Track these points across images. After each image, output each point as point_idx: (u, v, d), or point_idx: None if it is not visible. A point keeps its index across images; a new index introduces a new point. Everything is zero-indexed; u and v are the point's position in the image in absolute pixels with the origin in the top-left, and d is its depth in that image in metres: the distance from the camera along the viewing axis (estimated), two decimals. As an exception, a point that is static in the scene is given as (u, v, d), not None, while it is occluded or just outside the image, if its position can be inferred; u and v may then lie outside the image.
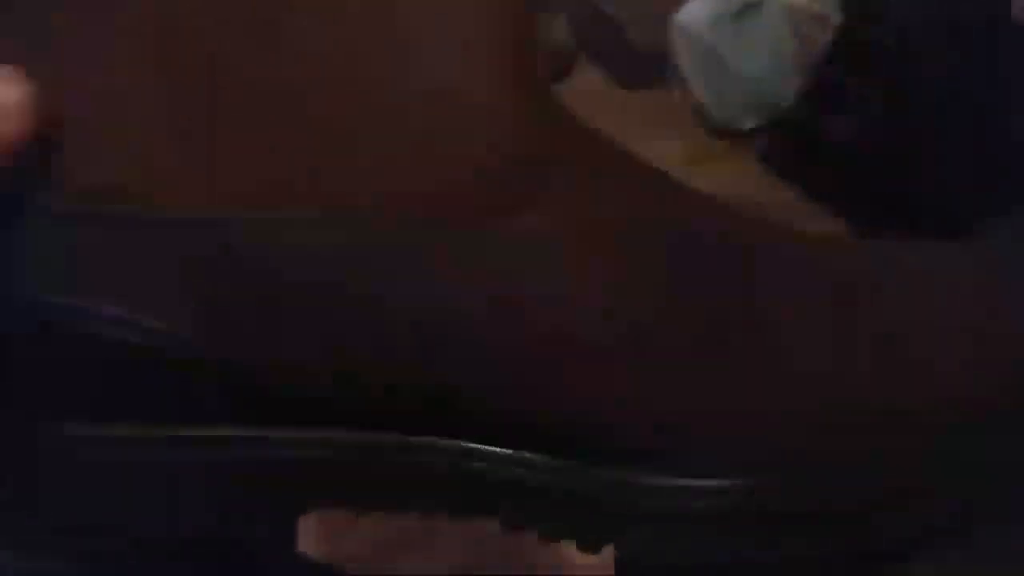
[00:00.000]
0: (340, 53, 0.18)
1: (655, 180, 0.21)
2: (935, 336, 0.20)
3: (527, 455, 0.20)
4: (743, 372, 0.19)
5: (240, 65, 0.17)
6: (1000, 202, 0.40)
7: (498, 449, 0.20)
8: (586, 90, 0.55)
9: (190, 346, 0.18)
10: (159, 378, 0.19)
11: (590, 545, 0.21)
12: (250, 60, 0.17)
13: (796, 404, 0.19)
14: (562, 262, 0.19)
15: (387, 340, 0.19)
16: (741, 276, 0.20)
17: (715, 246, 0.20)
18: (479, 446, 0.20)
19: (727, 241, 0.20)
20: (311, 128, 0.18)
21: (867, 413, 0.20)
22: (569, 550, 0.21)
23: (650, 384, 0.19)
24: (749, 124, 0.51)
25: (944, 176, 0.42)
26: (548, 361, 0.19)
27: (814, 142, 0.48)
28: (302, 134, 0.18)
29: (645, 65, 0.54)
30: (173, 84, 0.17)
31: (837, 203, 0.47)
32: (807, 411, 0.19)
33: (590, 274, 0.19)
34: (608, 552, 0.21)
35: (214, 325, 0.18)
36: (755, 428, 0.19)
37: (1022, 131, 0.40)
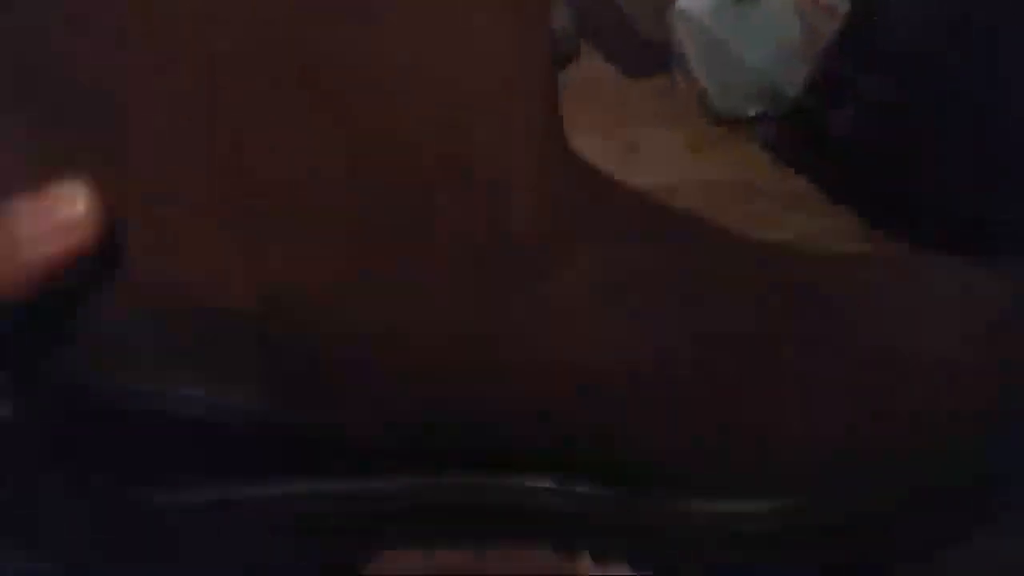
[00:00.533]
0: (377, 131, 0.18)
1: (678, 224, 0.22)
2: (935, 348, 0.21)
3: (578, 488, 0.21)
4: (769, 404, 0.20)
5: (279, 166, 0.18)
6: (1002, 198, 0.40)
7: (551, 484, 0.21)
8: (589, 78, 0.54)
9: (262, 416, 0.19)
10: (235, 446, 0.20)
11: (640, 568, 0.21)
12: (289, 163, 0.18)
13: (821, 428, 0.20)
14: (599, 312, 0.20)
15: (436, 398, 0.20)
16: (766, 312, 0.21)
17: (738, 281, 0.21)
18: (535, 484, 0.21)
19: (750, 276, 0.21)
20: (347, 217, 0.18)
21: (885, 432, 0.20)
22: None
23: (686, 419, 0.20)
24: (752, 112, 0.51)
25: (947, 171, 0.42)
26: (592, 406, 0.20)
27: (819, 133, 0.47)
28: (339, 224, 0.18)
29: (648, 53, 0.54)
30: (222, 182, 0.18)
31: (841, 194, 0.47)
32: (832, 434, 0.20)
33: (625, 322, 0.20)
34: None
35: (281, 396, 0.19)
36: (787, 453, 0.20)
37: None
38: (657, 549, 0.21)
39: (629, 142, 0.53)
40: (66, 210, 0.17)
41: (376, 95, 0.18)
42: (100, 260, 0.18)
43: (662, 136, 0.54)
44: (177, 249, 0.18)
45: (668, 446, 0.20)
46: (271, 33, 0.17)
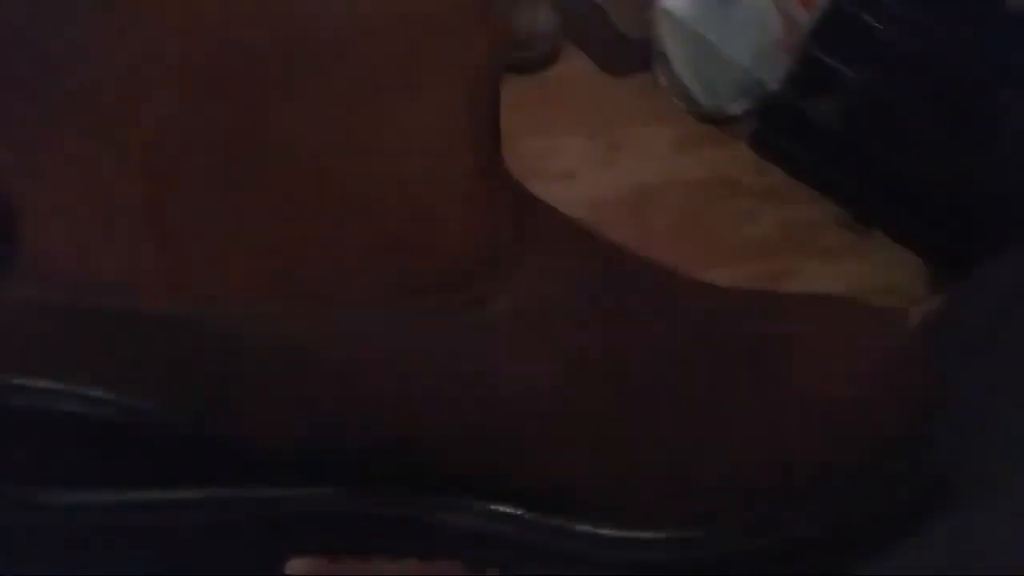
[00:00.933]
0: (316, 145, 0.18)
1: (604, 254, 0.22)
2: (840, 386, 0.21)
3: (493, 508, 0.21)
4: (682, 439, 0.21)
5: (216, 159, 0.18)
6: (984, 184, 0.40)
7: (464, 501, 0.21)
8: (572, 77, 0.54)
9: (167, 421, 0.19)
10: (139, 450, 0.20)
11: None
12: (226, 151, 0.18)
13: (727, 468, 0.21)
14: (521, 341, 0.20)
15: (350, 418, 0.20)
16: (679, 347, 0.21)
17: (657, 316, 0.21)
18: (447, 501, 0.21)
19: (669, 311, 0.22)
20: (284, 222, 0.18)
21: (792, 472, 0.21)
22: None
23: (599, 448, 0.20)
24: (737, 109, 0.51)
25: (929, 158, 0.42)
26: (513, 431, 0.20)
27: (801, 124, 0.48)
28: (275, 228, 0.18)
29: (631, 51, 0.54)
30: (155, 182, 0.18)
31: (826, 185, 0.47)
32: (738, 469, 0.21)
33: (546, 352, 0.20)
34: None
35: (189, 403, 0.19)
36: (693, 489, 0.21)
37: (1009, 111, 0.40)
38: (562, 572, 0.22)
39: (612, 141, 0.54)
40: None
41: (310, 109, 0.18)
42: None
43: (645, 135, 0.54)
44: (92, 246, 0.18)
45: (579, 472, 0.21)
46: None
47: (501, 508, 0.21)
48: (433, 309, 0.20)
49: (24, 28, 0.17)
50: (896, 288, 0.43)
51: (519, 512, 0.21)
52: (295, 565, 0.22)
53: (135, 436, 0.20)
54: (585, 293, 0.21)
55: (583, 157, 0.51)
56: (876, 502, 0.22)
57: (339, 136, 0.18)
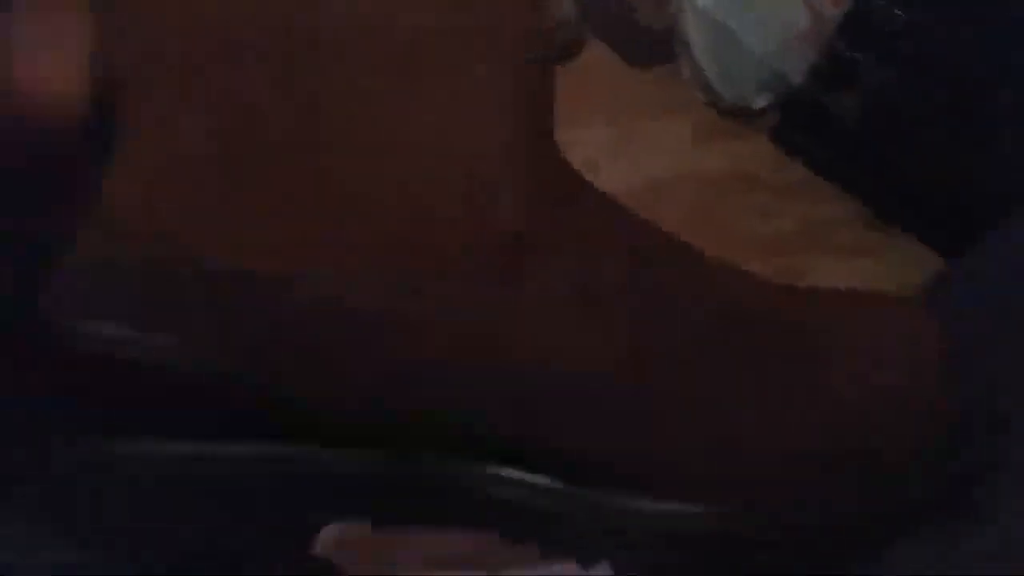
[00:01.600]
0: (365, 116, 0.19)
1: (651, 236, 0.23)
2: (870, 380, 0.22)
3: (532, 479, 0.22)
4: (720, 414, 0.21)
5: (274, 130, 0.19)
6: (1011, 181, 0.39)
7: (504, 472, 0.22)
8: (592, 67, 0.54)
9: (223, 372, 0.20)
10: (194, 401, 0.20)
11: (586, 561, 0.22)
12: (283, 125, 0.19)
13: (764, 444, 0.21)
14: (564, 316, 0.20)
15: (400, 381, 0.20)
16: (715, 330, 0.22)
17: (693, 299, 0.22)
18: (489, 469, 0.21)
19: (707, 297, 0.22)
20: (333, 191, 0.19)
21: (813, 455, 0.22)
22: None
23: (640, 425, 0.21)
24: (760, 102, 0.50)
25: (951, 156, 0.41)
26: (552, 405, 0.20)
27: (824, 120, 0.47)
28: (322, 197, 0.19)
29: (654, 42, 0.54)
30: (222, 141, 0.19)
31: (848, 182, 0.47)
32: (773, 448, 0.21)
33: (589, 330, 0.21)
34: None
35: (245, 356, 0.20)
36: (730, 464, 0.21)
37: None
38: (599, 543, 0.22)
39: (631, 132, 0.53)
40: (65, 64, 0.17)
41: (357, 80, 0.18)
42: (90, 137, 0.18)
43: (665, 126, 0.53)
44: (162, 203, 0.19)
45: (617, 446, 0.21)
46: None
47: (540, 480, 0.22)
48: (474, 281, 0.20)
49: None
50: (914, 287, 0.43)
51: (557, 484, 0.22)
52: (331, 531, 0.22)
53: (196, 386, 0.20)
54: (623, 279, 0.21)
55: (602, 148, 0.51)
56: (909, 492, 0.22)
57: (385, 104, 0.19)
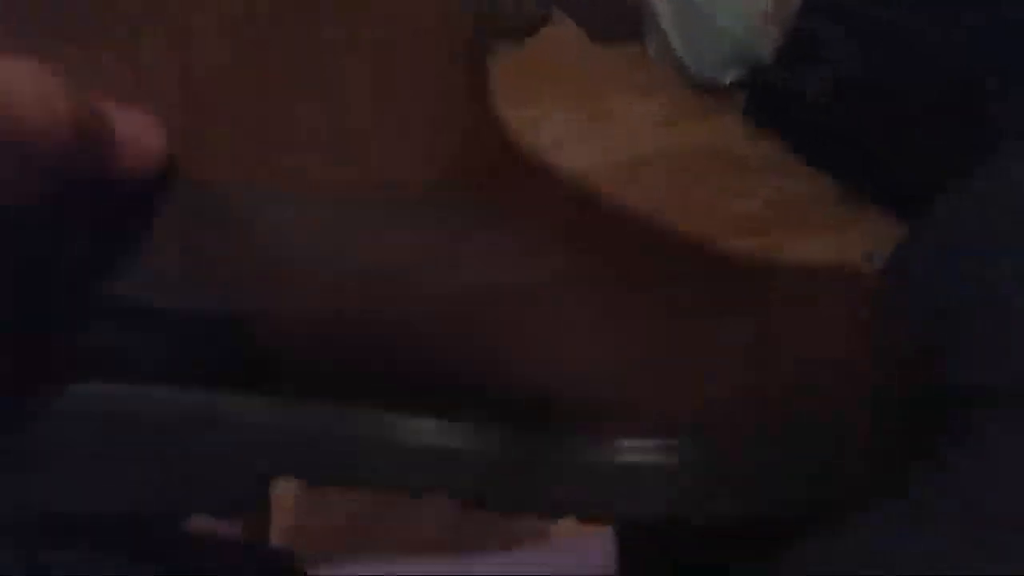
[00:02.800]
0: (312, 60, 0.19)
1: (577, 192, 0.22)
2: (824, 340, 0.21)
3: (474, 426, 0.21)
4: (673, 352, 0.20)
5: (233, 56, 0.19)
6: (980, 151, 0.39)
7: (447, 421, 0.21)
8: (559, 45, 0.53)
9: (167, 294, 0.19)
10: (133, 332, 0.20)
11: (551, 514, 0.21)
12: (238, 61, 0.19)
13: (720, 390, 0.20)
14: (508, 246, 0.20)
15: (338, 318, 0.20)
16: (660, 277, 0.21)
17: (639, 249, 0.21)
18: (428, 419, 0.21)
19: (650, 244, 0.21)
20: (289, 119, 0.19)
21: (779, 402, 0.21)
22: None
23: (579, 348, 0.20)
24: (728, 78, 0.49)
25: (923, 126, 0.41)
26: (480, 330, 0.20)
27: (793, 95, 0.46)
28: (271, 126, 0.19)
29: (620, 18, 0.52)
30: (191, 63, 0.19)
31: (818, 157, 0.46)
32: (728, 391, 0.20)
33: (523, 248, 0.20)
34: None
35: (196, 274, 0.19)
36: (685, 401, 0.20)
37: (999, 80, 0.38)
38: (548, 491, 0.21)
39: (602, 112, 0.52)
40: (150, 126, 0.19)
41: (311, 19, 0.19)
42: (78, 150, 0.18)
43: (635, 105, 0.52)
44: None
45: (561, 378, 0.20)
46: None
47: (492, 428, 0.21)
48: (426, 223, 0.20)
49: None
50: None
51: (492, 429, 0.21)
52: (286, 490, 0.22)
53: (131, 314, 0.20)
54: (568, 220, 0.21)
55: (570, 128, 0.50)
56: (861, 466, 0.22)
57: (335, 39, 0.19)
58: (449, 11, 0.20)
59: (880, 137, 0.44)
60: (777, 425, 0.21)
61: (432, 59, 0.19)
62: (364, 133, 0.19)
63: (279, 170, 0.19)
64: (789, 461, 0.21)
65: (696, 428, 0.21)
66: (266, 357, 0.20)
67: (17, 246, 0.19)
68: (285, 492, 0.26)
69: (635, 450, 0.21)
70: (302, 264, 0.19)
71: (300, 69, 0.19)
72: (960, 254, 0.26)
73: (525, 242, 0.20)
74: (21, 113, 0.17)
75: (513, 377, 0.20)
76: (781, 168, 0.49)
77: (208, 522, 0.23)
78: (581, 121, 0.50)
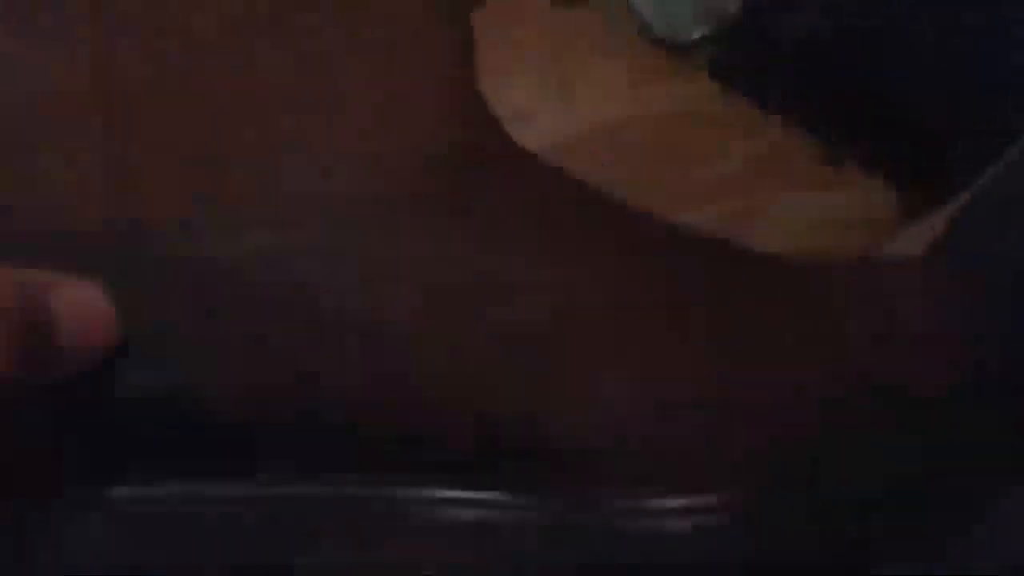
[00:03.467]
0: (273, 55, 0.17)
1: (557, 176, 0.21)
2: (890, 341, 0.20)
3: (500, 496, 0.19)
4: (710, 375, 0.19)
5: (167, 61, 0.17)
6: (973, 100, 0.38)
7: (461, 494, 0.19)
8: (518, 10, 0.50)
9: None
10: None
11: None
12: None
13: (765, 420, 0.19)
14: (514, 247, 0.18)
15: (319, 371, 0.18)
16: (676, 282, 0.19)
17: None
18: (439, 493, 0.18)
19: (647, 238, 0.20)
20: (254, 128, 0.17)
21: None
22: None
23: (607, 398, 0.18)
24: (695, 34, 0.47)
25: (911, 73, 0.39)
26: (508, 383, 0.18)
27: (765, 48, 0.44)
28: (243, 134, 0.17)
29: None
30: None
31: (794, 113, 0.44)
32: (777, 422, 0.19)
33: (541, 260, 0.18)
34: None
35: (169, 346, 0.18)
36: (738, 448, 0.19)
37: (994, 22, 0.37)
38: (578, 556, 0.19)
39: (566, 77, 0.50)
40: (98, 306, 0.18)
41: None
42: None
43: (601, 70, 0.50)
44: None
45: (592, 432, 0.18)
46: None
47: (511, 497, 0.19)
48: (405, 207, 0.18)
49: None
50: (874, 218, 0.41)
51: (531, 498, 0.19)
52: None
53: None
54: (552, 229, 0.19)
55: (536, 95, 0.47)
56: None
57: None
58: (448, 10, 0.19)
59: (861, 91, 0.43)
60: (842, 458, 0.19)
61: (432, 58, 0.18)
62: (363, 132, 0.18)
63: (267, 181, 0.18)
64: (856, 498, 0.19)
65: (748, 478, 0.19)
66: (249, 433, 0.19)
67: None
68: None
69: (681, 512, 0.19)
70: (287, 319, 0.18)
71: (298, 73, 0.18)
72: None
73: (545, 268, 0.18)
74: None
75: (532, 435, 0.18)
76: (759, 126, 0.47)
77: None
78: (549, 89, 0.47)
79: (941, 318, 0.20)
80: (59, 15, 0.17)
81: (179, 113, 0.18)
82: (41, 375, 0.18)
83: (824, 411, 0.18)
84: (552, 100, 0.49)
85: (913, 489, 0.20)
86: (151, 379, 0.18)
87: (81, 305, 0.17)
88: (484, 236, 0.18)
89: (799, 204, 0.43)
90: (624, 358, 0.18)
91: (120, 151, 0.18)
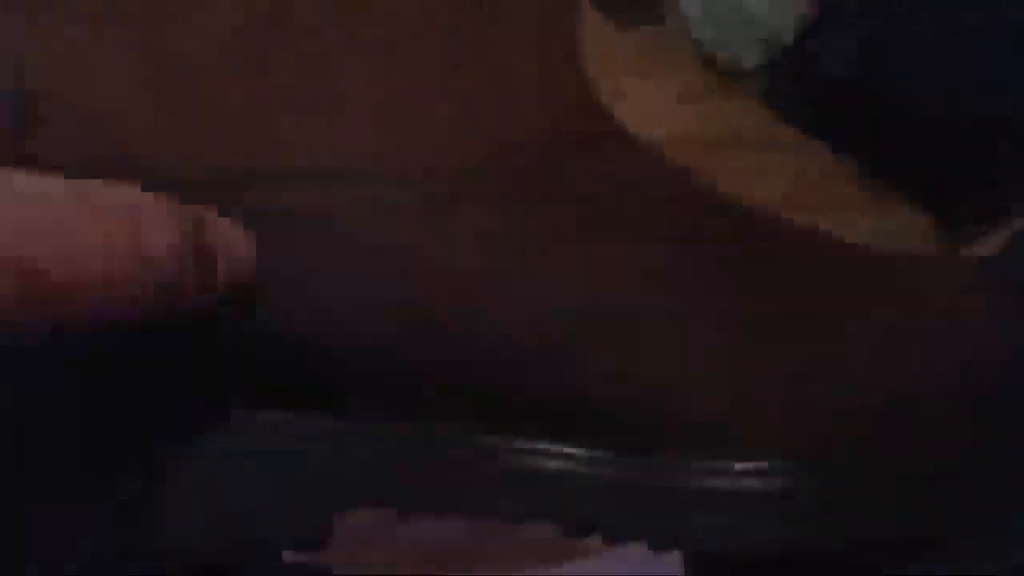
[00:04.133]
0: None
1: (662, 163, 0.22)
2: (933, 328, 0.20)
3: (575, 450, 0.19)
4: (780, 361, 0.19)
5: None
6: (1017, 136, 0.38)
7: (545, 445, 0.19)
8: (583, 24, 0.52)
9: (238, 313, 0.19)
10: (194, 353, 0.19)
11: (660, 544, 0.20)
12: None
13: (830, 395, 0.19)
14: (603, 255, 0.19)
15: (416, 325, 0.19)
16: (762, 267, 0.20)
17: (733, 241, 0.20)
18: (524, 443, 0.19)
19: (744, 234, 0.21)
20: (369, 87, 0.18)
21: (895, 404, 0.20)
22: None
23: (693, 366, 0.19)
24: (750, 61, 0.49)
25: (957, 104, 0.40)
26: (596, 346, 0.18)
27: (816, 76, 0.45)
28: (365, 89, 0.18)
29: (641, 0, 0.52)
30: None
31: (843, 140, 0.45)
32: (846, 399, 0.19)
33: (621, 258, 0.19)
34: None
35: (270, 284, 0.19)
36: (802, 420, 0.19)
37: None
38: (657, 515, 0.20)
39: (616, 93, 0.51)
40: (245, 244, 0.19)
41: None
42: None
43: (651, 87, 0.51)
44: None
45: (670, 395, 0.19)
46: None
47: (589, 451, 0.19)
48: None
49: None
50: (918, 241, 0.42)
51: (612, 453, 0.20)
52: (353, 519, 0.20)
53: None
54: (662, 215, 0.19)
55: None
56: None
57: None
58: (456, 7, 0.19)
59: (907, 121, 0.43)
60: (899, 444, 0.19)
61: (439, 58, 0.18)
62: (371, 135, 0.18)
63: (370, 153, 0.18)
64: (910, 485, 0.20)
65: (814, 451, 0.19)
66: (345, 380, 0.19)
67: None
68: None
69: (751, 474, 0.19)
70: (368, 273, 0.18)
71: (300, 71, 0.18)
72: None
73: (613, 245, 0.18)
74: (150, 247, 0.16)
75: (620, 394, 0.19)
76: (803, 148, 0.48)
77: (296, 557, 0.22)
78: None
79: (990, 329, 0.21)
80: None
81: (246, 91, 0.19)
82: (200, 305, 0.18)
83: (889, 402, 0.19)
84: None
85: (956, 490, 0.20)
86: (259, 323, 0.18)
87: (232, 241, 0.18)
88: (578, 215, 0.18)
89: (843, 227, 0.43)
90: (705, 331, 0.19)
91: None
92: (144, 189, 0.18)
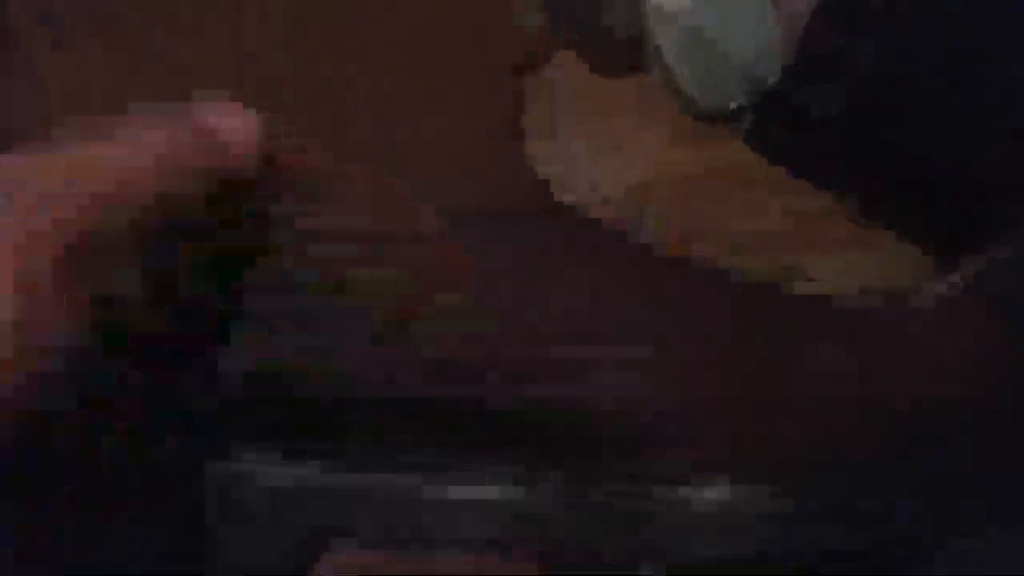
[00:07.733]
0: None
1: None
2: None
3: (552, 474, 0.19)
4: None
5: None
6: (998, 169, 0.38)
7: (524, 472, 0.19)
8: (565, 77, 0.52)
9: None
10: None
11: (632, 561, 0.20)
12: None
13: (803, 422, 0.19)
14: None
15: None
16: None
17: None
18: (500, 470, 0.19)
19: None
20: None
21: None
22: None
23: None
24: (735, 104, 0.49)
25: (937, 143, 0.40)
26: (573, 371, 0.18)
27: (801, 116, 0.46)
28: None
29: (625, 51, 0.52)
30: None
31: (829, 180, 0.45)
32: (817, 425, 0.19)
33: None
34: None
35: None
36: (769, 442, 0.19)
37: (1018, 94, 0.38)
38: (633, 538, 0.20)
39: (613, 143, 0.52)
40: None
41: None
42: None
43: (645, 134, 0.52)
44: None
45: (639, 420, 0.19)
46: None
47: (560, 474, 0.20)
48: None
49: None
50: (910, 280, 0.42)
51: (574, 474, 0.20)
52: (336, 554, 0.20)
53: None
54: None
55: (587, 159, 0.49)
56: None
57: None
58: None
59: (890, 158, 0.43)
60: (871, 465, 0.20)
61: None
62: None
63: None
64: (886, 501, 0.20)
65: (777, 472, 0.19)
66: (326, 415, 0.19)
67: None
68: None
69: (722, 495, 0.19)
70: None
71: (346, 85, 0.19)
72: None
73: (590, 281, 0.19)
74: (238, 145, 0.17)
75: (592, 419, 0.19)
76: (788, 188, 0.48)
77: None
78: (596, 153, 0.50)
79: (967, 353, 0.21)
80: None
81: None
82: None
83: (857, 423, 0.19)
84: (598, 160, 0.51)
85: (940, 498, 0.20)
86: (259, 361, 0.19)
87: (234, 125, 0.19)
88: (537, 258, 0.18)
89: (830, 264, 0.43)
90: (670, 363, 0.19)
91: None
92: None
